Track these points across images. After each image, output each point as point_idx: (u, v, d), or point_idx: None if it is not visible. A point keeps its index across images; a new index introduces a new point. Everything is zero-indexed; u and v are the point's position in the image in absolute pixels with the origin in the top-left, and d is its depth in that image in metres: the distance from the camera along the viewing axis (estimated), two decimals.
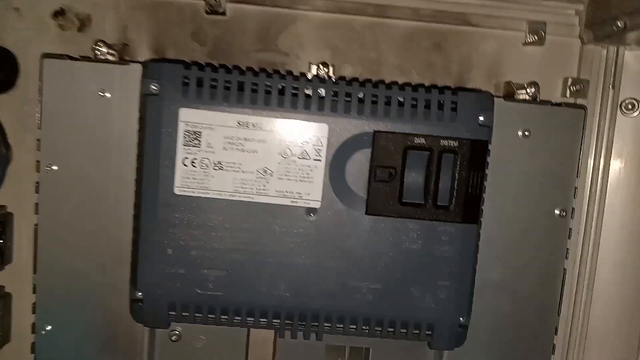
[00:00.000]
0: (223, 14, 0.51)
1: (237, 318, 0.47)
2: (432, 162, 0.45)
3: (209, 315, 0.47)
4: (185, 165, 0.45)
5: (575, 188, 0.51)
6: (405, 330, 0.47)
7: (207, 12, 0.51)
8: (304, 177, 0.45)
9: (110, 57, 0.47)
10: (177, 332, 0.52)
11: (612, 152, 0.53)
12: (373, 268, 0.46)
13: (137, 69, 0.46)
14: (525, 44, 0.52)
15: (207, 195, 0.45)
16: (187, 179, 0.45)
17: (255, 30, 0.52)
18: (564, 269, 0.51)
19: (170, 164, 0.45)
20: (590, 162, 0.52)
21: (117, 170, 0.48)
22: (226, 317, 0.47)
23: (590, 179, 0.52)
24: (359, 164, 0.46)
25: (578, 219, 0.52)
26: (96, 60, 0.47)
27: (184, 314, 0.47)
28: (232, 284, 0.46)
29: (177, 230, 0.45)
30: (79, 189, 0.48)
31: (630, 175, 0.52)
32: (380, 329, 0.47)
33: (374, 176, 0.45)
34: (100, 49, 0.47)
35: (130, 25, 0.52)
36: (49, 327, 0.50)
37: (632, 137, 0.52)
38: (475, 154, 0.45)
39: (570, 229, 0.51)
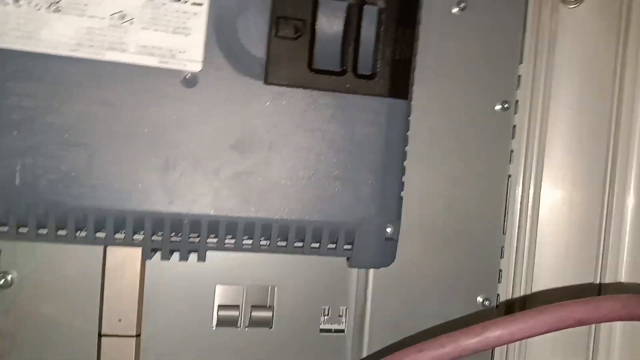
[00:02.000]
0: None
1: (81, 231, 0.33)
2: (351, 15, 0.35)
3: (39, 230, 0.32)
4: (6, 4, 0.31)
5: (519, 77, 0.42)
6: (317, 244, 0.35)
7: None
8: (178, 27, 0.33)
9: None
10: (8, 278, 0.37)
11: (555, 46, 0.45)
12: (276, 156, 0.34)
13: None
14: None
15: (37, 49, 0.31)
16: (5, 24, 0.31)
17: None
18: (508, 174, 0.42)
19: None
20: (531, 55, 0.44)
21: None
22: (64, 229, 0.32)
23: (532, 72, 0.43)
24: (255, 14, 0.34)
25: (522, 114, 0.43)
26: None
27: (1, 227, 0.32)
28: (75, 184, 0.32)
29: None
30: None
31: (574, 71, 0.45)
32: (285, 242, 0.35)
33: (275, 31, 0.34)
34: None
35: None
36: None
37: (573, 30, 0.45)
38: (405, 6, 0.35)
39: (514, 125, 0.43)
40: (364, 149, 0.35)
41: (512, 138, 0.43)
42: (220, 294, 0.39)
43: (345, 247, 0.36)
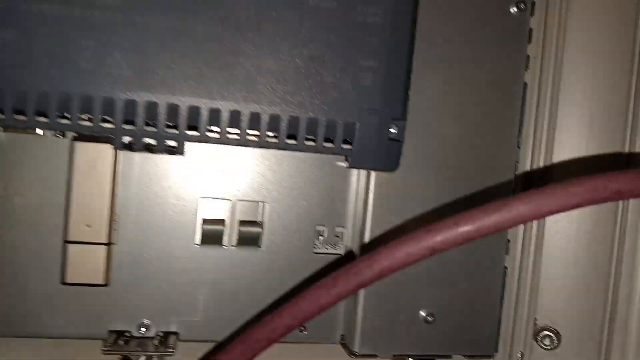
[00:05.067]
0: None
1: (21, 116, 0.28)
2: None
3: None
4: None
5: None
6: (313, 138, 0.31)
7: None
8: None
9: None
10: None
11: None
12: (264, 37, 0.30)
13: None
14: None
15: None
16: None
17: None
18: (525, 83, 0.38)
19: None
20: None
21: None
22: (22, 115, 0.28)
23: None
24: None
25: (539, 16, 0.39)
26: None
27: None
28: (18, 47, 0.28)
29: None
30: None
31: None
32: (276, 136, 0.31)
33: None
34: None
35: None
36: None
37: None
38: None
39: (531, 28, 0.38)
40: (367, 32, 0.31)
41: (529, 43, 0.38)
42: (205, 208, 0.35)
43: (344, 145, 0.32)
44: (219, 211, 0.36)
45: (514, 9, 0.38)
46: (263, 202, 0.36)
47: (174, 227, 0.35)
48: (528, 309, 0.40)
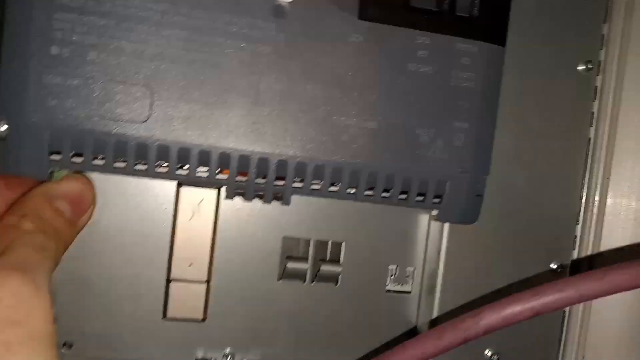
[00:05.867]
0: None
1: (163, 166, 0.30)
2: None
3: (118, 161, 0.30)
4: None
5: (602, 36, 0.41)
6: (405, 193, 0.34)
7: None
8: None
9: None
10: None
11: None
12: (367, 98, 0.32)
13: None
14: None
15: None
16: None
17: None
18: (589, 138, 0.41)
19: None
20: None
21: None
22: (144, 163, 0.30)
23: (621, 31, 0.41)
24: None
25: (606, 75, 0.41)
26: None
27: (74, 159, 0.30)
28: (156, 110, 0.30)
29: (64, 15, 0.28)
30: None
31: None
32: (371, 191, 0.33)
33: None
34: None
35: None
36: None
37: None
38: None
39: (596, 86, 0.41)
40: (460, 95, 0.33)
41: (594, 100, 0.41)
42: (287, 246, 0.38)
43: (434, 200, 0.34)
44: (301, 249, 0.38)
45: (581, 67, 0.40)
46: (342, 242, 0.39)
47: (261, 264, 0.37)
48: (577, 347, 0.42)
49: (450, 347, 0.27)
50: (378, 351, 0.38)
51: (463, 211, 0.34)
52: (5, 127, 0.29)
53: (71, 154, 0.29)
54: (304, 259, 0.38)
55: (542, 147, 0.40)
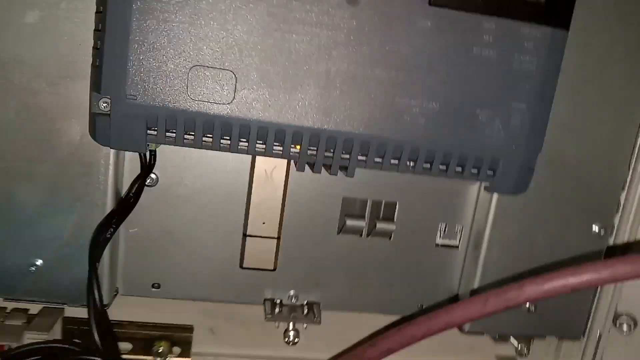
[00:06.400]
0: None
1: (243, 141, 0.34)
2: None
3: (205, 137, 0.34)
4: None
5: None
6: (461, 168, 0.36)
7: None
8: None
9: None
10: (152, 176, 0.39)
11: None
12: (432, 80, 0.34)
13: None
14: None
15: None
16: None
17: None
18: None
19: None
20: None
21: None
22: (228, 139, 0.34)
23: None
24: None
25: None
26: None
27: (169, 132, 0.33)
28: (238, 93, 0.33)
29: (160, 7, 0.31)
30: None
31: None
32: (429, 164, 0.36)
33: None
34: None
35: None
36: None
37: None
38: None
39: None
40: (521, 77, 0.35)
41: None
42: (347, 205, 0.42)
43: (488, 172, 0.37)
44: (359, 208, 0.42)
45: None
46: (396, 201, 0.42)
47: (323, 220, 0.41)
48: (612, 297, 0.46)
49: (493, 313, 0.31)
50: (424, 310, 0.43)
51: (514, 184, 0.37)
52: (107, 104, 0.33)
53: (165, 130, 0.33)
54: (362, 216, 0.42)
55: (596, 118, 0.41)
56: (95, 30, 0.34)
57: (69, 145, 0.36)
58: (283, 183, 0.38)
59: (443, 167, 0.36)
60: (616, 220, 0.44)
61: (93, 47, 0.34)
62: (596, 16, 0.39)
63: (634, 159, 0.43)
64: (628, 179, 0.43)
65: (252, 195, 0.38)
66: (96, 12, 0.33)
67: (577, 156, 0.42)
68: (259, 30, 0.32)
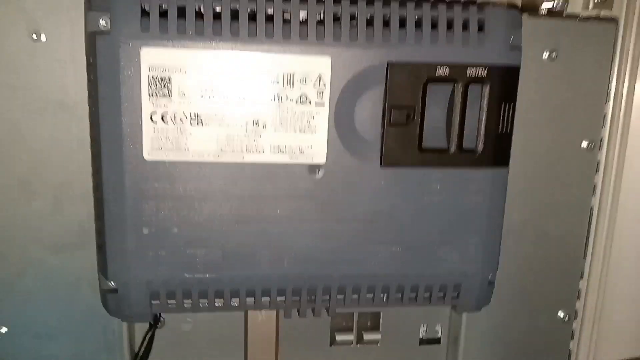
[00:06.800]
0: None
1: (235, 300, 0.39)
2: (456, 96, 0.38)
3: (201, 300, 0.39)
4: (154, 122, 0.35)
5: (604, 115, 0.45)
6: (428, 294, 0.41)
7: None
8: (304, 126, 0.37)
9: None
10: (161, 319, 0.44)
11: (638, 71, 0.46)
12: (392, 228, 0.39)
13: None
14: None
15: (186, 159, 0.36)
16: (158, 139, 0.36)
17: None
18: (591, 206, 0.46)
19: (135, 121, 0.35)
20: (612, 85, 0.46)
21: (65, 129, 0.38)
22: (221, 300, 0.39)
23: (612, 104, 0.46)
24: (370, 106, 0.37)
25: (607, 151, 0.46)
26: None
27: (169, 302, 0.38)
28: (226, 262, 0.38)
29: (151, 203, 0.36)
30: (21, 156, 0.39)
31: None
32: (400, 295, 0.41)
33: (389, 119, 0.37)
34: None
35: None
36: (4, 330, 0.42)
37: None
38: (507, 83, 0.38)
39: (598, 161, 0.46)
40: (470, 215, 0.40)
41: (596, 172, 0.46)
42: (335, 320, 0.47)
43: (453, 295, 0.41)
44: (347, 321, 0.47)
45: (584, 144, 0.45)
46: (380, 311, 0.47)
47: (314, 335, 0.46)
48: None
49: None
50: None
51: (476, 302, 0.42)
52: (113, 284, 0.38)
53: (167, 301, 0.38)
54: (350, 329, 0.47)
55: (551, 215, 0.46)
56: (95, 219, 0.39)
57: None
58: (274, 329, 0.44)
59: (413, 296, 0.41)
60: (579, 305, 0.48)
61: (96, 231, 0.39)
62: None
63: (589, 249, 0.47)
64: (587, 268, 0.47)
65: (248, 346, 0.44)
66: (94, 197, 0.38)
67: (538, 248, 0.46)
68: (240, 209, 0.37)
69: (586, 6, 0.45)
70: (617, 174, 0.46)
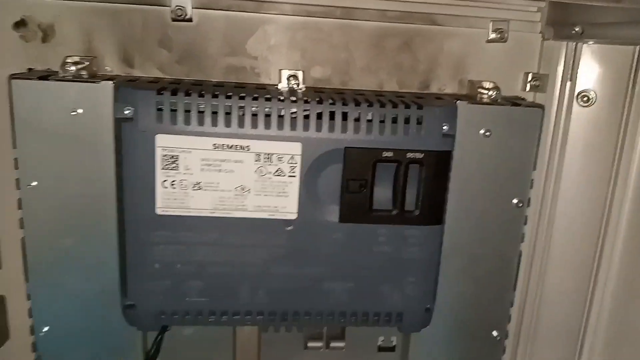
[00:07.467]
0: (189, 20, 0.50)
1: (224, 318, 0.51)
2: (399, 173, 0.48)
3: (198, 317, 0.51)
4: (165, 187, 0.47)
5: (532, 180, 0.55)
6: (377, 318, 0.53)
7: (173, 20, 0.50)
8: (280, 192, 0.48)
9: (81, 72, 0.47)
10: None
11: (568, 142, 0.56)
12: (347, 270, 0.50)
13: (108, 87, 0.47)
14: (489, 41, 0.54)
15: (188, 214, 0.48)
16: (167, 199, 0.47)
17: (222, 35, 0.52)
18: (520, 252, 0.57)
19: (151, 186, 0.46)
20: (547, 151, 0.55)
21: (95, 183, 0.49)
22: (213, 317, 0.51)
23: (546, 166, 0.55)
24: (331, 177, 0.48)
25: (535, 205, 0.56)
26: (65, 79, 0.47)
27: (174, 317, 0.51)
28: (217, 292, 0.50)
29: (161, 247, 0.48)
30: (60, 203, 0.50)
31: (584, 164, 0.56)
32: (354, 318, 0.52)
33: (346, 188, 0.48)
34: (68, 68, 0.47)
35: (94, 34, 0.51)
36: (46, 328, 0.54)
37: (586, 128, 0.55)
38: (440, 164, 0.48)
39: (526, 216, 0.56)
40: (409, 262, 0.50)
41: (525, 224, 0.56)
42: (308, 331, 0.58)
43: (397, 319, 0.53)
44: (317, 330, 0.59)
45: (515, 202, 0.55)
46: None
47: (286, 346, 0.58)
48: None
49: None
50: None
51: (417, 325, 0.53)
52: (132, 302, 0.50)
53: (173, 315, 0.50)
54: (320, 338, 0.59)
55: (484, 264, 0.56)
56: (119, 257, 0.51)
57: None
58: (257, 342, 0.56)
59: (364, 319, 0.53)
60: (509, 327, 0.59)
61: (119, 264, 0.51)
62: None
63: (516, 282, 0.58)
64: (512, 299, 0.58)
65: (237, 338, 0.56)
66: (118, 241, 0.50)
67: (471, 294, 0.57)
68: (229, 252, 0.49)
69: (524, 88, 0.55)
70: (544, 226, 0.56)
